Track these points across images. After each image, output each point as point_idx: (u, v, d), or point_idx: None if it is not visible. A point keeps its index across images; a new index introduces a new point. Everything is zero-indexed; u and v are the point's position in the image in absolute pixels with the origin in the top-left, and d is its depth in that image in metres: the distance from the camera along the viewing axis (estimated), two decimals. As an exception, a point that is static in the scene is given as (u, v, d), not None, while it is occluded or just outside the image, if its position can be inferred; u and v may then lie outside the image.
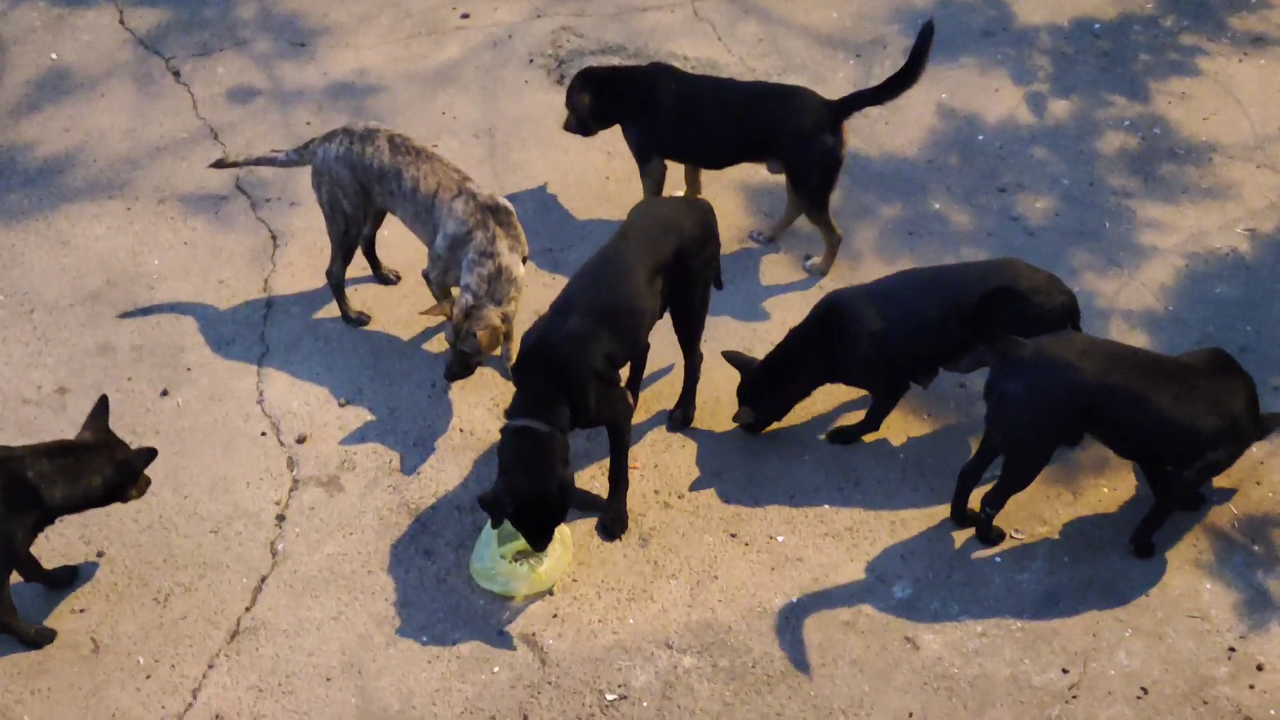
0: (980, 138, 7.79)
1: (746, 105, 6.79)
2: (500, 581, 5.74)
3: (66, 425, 6.40)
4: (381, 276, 7.05)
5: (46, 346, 6.79)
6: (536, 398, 5.66)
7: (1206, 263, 7.04)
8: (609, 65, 7.10)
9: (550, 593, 5.76)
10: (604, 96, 6.97)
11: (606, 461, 6.04)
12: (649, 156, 6.98)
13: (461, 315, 6.19)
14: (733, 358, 6.24)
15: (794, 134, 6.70)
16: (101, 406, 5.58)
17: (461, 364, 6.27)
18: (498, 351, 6.42)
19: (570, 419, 5.70)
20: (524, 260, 6.35)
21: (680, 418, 6.39)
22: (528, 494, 5.55)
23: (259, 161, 6.82)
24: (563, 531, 5.81)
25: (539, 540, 5.67)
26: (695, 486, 6.13)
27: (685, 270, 6.02)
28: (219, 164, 6.95)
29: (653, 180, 7.02)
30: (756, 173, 7.56)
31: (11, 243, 7.31)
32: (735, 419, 6.25)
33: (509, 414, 5.71)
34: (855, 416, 6.34)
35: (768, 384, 6.16)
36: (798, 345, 6.12)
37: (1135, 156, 7.63)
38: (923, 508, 6.05)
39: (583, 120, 7.07)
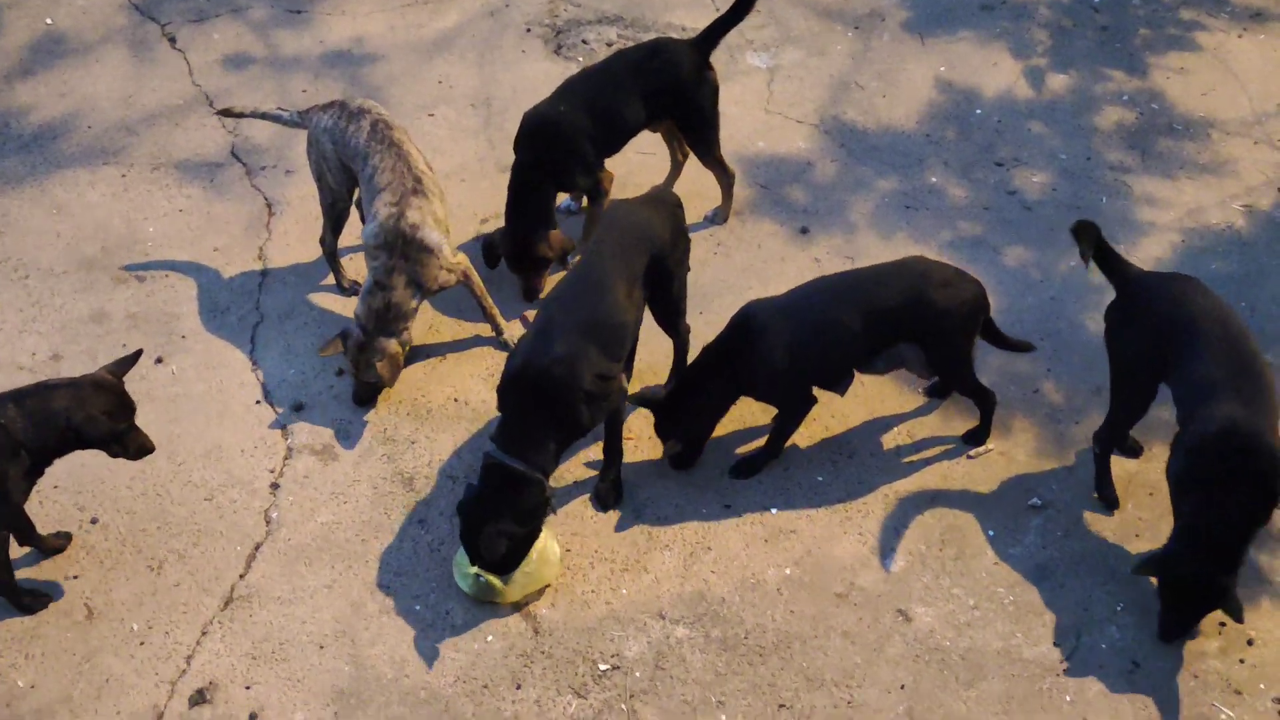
0: (978, 111, 7.78)
1: (631, 77, 6.72)
2: (470, 584, 5.69)
3: (61, 392, 6.39)
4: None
5: (40, 313, 6.78)
6: (522, 431, 5.57)
7: (1203, 239, 7.04)
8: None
9: (518, 605, 5.69)
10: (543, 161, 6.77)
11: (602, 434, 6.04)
12: (591, 171, 6.79)
13: (355, 349, 6.23)
14: (638, 398, 6.06)
15: (681, 84, 6.71)
16: (130, 358, 5.57)
17: (367, 392, 6.35)
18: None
19: (559, 445, 5.64)
20: (432, 293, 6.36)
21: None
22: (484, 535, 5.49)
23: (265, 116, 6.82)
24: (546, 550, 5.72)
25: (491, 571, 5.61)
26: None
27: (661, 272, 5.99)
28: (226, 112, 7.01)
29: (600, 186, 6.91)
30: (753, 144, 7.55)
31: (5, 208, 7.29)
32: (670, 462, 6.13)
33: (494, 439, 5.61)
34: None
35: (681, 410, 6.00)
36: (708, 362, 5.97)
37: (1133, 132, 7.63)
38: (916, 481, 6.06)
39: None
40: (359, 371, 6.26)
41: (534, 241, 6.58)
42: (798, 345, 5.82)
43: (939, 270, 5.92)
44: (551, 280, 6.73)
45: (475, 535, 5.49)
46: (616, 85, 6.68)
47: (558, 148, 6.61)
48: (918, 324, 5.83)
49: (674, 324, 6.24)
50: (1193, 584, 5.30)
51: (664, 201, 6.19)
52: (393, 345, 6.22)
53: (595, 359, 5.61)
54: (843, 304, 5.85)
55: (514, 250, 6.63)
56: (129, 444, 5.50)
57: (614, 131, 6.73)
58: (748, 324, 5.90)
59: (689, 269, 6.28)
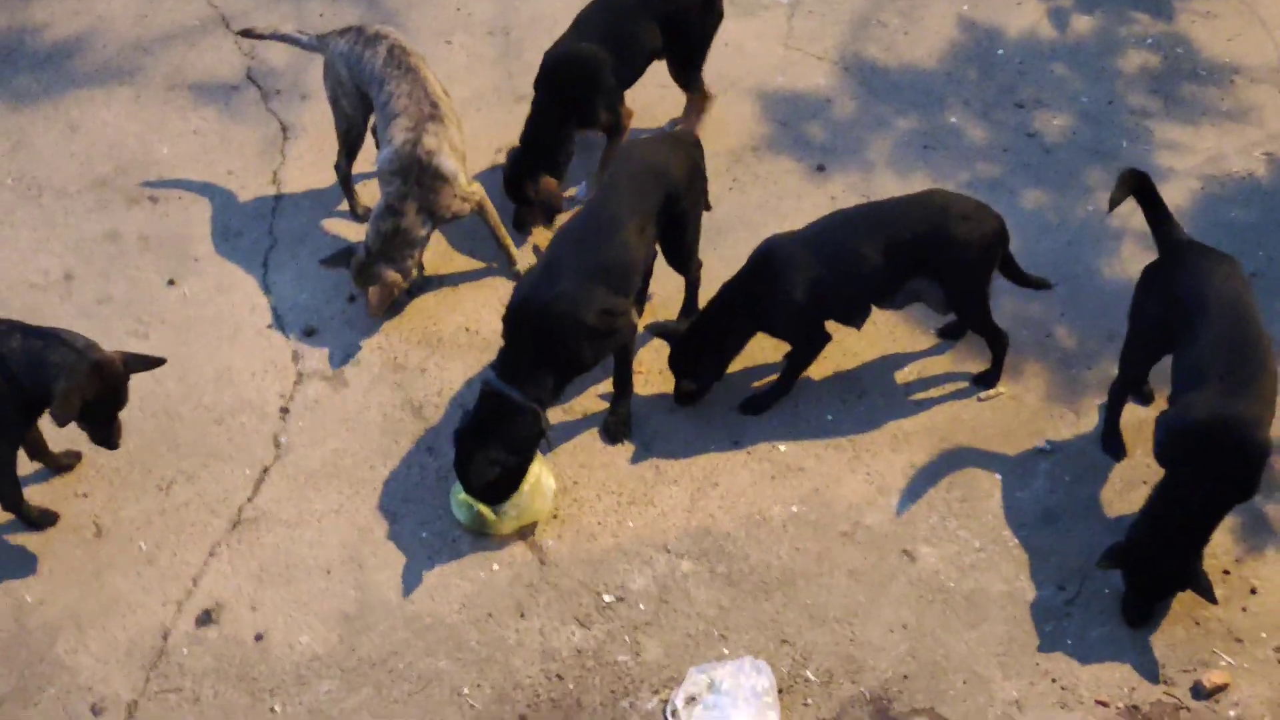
0: (1000, 52, 7.69)
1: (643, 2, 6.66)
2: (464, 514, 5.71)
3: (73, 311, 6.41)
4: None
5: (54, 232, 6.78)
6: (521, 362, 5.57)
7: (1223, 186, 6.98)
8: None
9: (522, 535, 5.70)
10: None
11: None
12: (613, 105, 6.75)
13: (356, 268, 6.22)
14: (657, 329, 6.04)
15: (689, 8, 6.69)
16: (153, 361, 5.44)
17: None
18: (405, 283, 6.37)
19: (560, 379, 5.64)
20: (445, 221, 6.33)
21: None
22: (474, 462, 5.50)
23: (284, 38, 6.80)
24: (540, 483, 5.72)
25: (479, 499, 5.62)
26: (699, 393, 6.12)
27: (674, 212, 5.95)
28: (247, 33, 7.00)
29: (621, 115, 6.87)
30: (771, 80, 7.48)
31: (20, 126, 7.27)
32: (676, 397, 6.10)
33: (494, 368, 5.62)
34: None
35: (699, 347, 5.96)
36: (729, 298, 5.92)
37: (1156, 76, 7.54)
38: (925, 422, 6.05)
39: None
40: (362, 286, 6.29)
41: (525, 178, 6.56)
42: (818, 279, 5.79)
43: (959, 203, 5.89)
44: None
45: (466, 462, 5.50)
46: (631, 12, 6.63)
47: (580, 84, 6.56)
48: (937, 256, 5.80)
49: (685, 264, 6.22)
50: (1158, 573, 5.27)
51: (681, 141, 6.15)
52: (391, 274, 6.19)
53: (601, 296, 5.59)
54: (863, 236, 5.83)
55: (509, 176, 6.59)
56: (95, 431, 5.41)
57: (633, 60, 6.68)
58: (770, 259, 5.86)
59: (709, 208, 6.26)
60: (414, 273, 6.33)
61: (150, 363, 5.41)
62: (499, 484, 5.53)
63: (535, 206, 6.59)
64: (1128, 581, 5.36)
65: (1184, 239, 5.67)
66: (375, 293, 6.19)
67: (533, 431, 5.56)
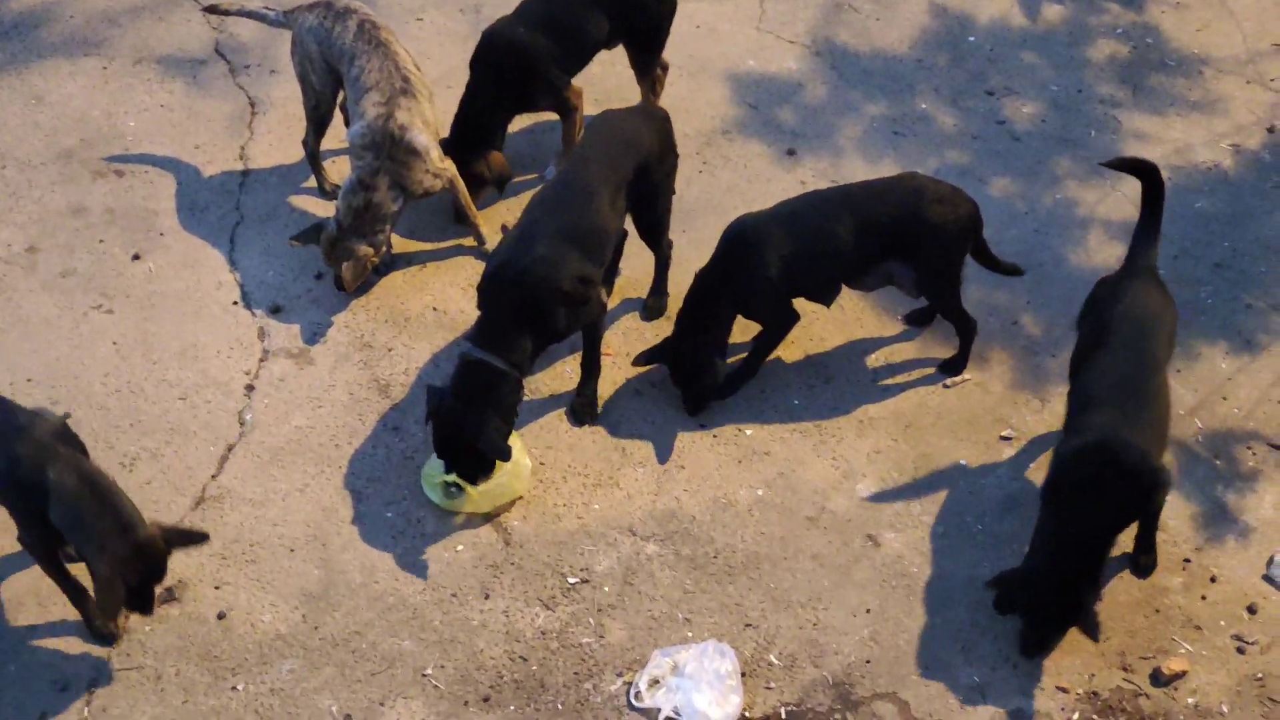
0: (971, 39, 7.71)
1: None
2: (440, 493, 5.69)
3: (36, 286, 6.35)
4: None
5: (17, 204, 6.71)
6: (499, 328, 5.57)
7: (1189, 176, 7.02)
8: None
9: (490, 515, 5.70)
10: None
11: (580, 348, 6.03)
12: (555, 90, 6.71)
13: (328, 243, 6.19)
14: (645, 358, 6.00)
15: (638, 5, 6.64)
16: (194, 538, 5.15)
17: (341, 284, 6.30)
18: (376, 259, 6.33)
19: (535, 346, 5.64)
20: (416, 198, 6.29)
21: (654, 306, 6.37)
22: (458, 430, 5.50)
23: (250, 14, 6.75)
24: (519, 464, 5.72)
25: (459, 473, 5.60)
26: (667, 377, 6.11)
27: (647, 184, 5.96)
28: (211, 9, 6.95)
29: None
30: (743, 62, 7.48)
31: (-16, 96, 7.20)
32: (689, 409, 6.01)
33: (470, 336, 5.62)
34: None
35: (693, 348, 5.90)
36: (705, 285, 5.88)
37: (1125, 65, 7.58)
38: (891, 408, 6.07)
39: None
40: (332, 264, 6.25)
41: (472, 161, 6.52)
42: (791, 256, 5.80)
43: (934, 187, 5.91)
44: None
45: (477, 430, 5.46)
46: (578, 2, 6.57)
47: (515, 69, 6.52)
48: (911, 239, 5.82)
49: (656, 239, 6.22)
50: (1050, 604, 5.15)
51: (653, 114, 6.16)
52: (363, 248, 6.17)
53: (576, 262, 5.60)
54: (838, 215, 5.84)
55: (458, 163, 6.51)
56: (133, 604, 5.07)
57: (576, 49, 6.63)
58: (743, 237, 5.86)
59: (674, 191, 6.25)
60: (384, 249, 6.30)
61: (193, 539, 5.12)
62: (501, 450, 5.51)
63: (487, 183, 6.60)
64: (1022, 613, 5.23)
65: (1147, 265, 5.59)
66: (348, 268, 6.16)
67: (517, 398, 5.58)
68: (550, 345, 5.80)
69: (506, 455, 5.55)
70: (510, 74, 6.52)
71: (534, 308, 5.58)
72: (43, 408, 5.16)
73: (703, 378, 5.94)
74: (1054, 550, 5.12)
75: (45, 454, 4.89)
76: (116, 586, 4.87)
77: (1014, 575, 5.22)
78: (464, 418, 5.49)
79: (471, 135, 6.55)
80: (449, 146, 6.50)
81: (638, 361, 6.01)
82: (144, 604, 5.10)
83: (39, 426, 4.96)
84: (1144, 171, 5.69)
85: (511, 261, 5.58)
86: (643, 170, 5.91)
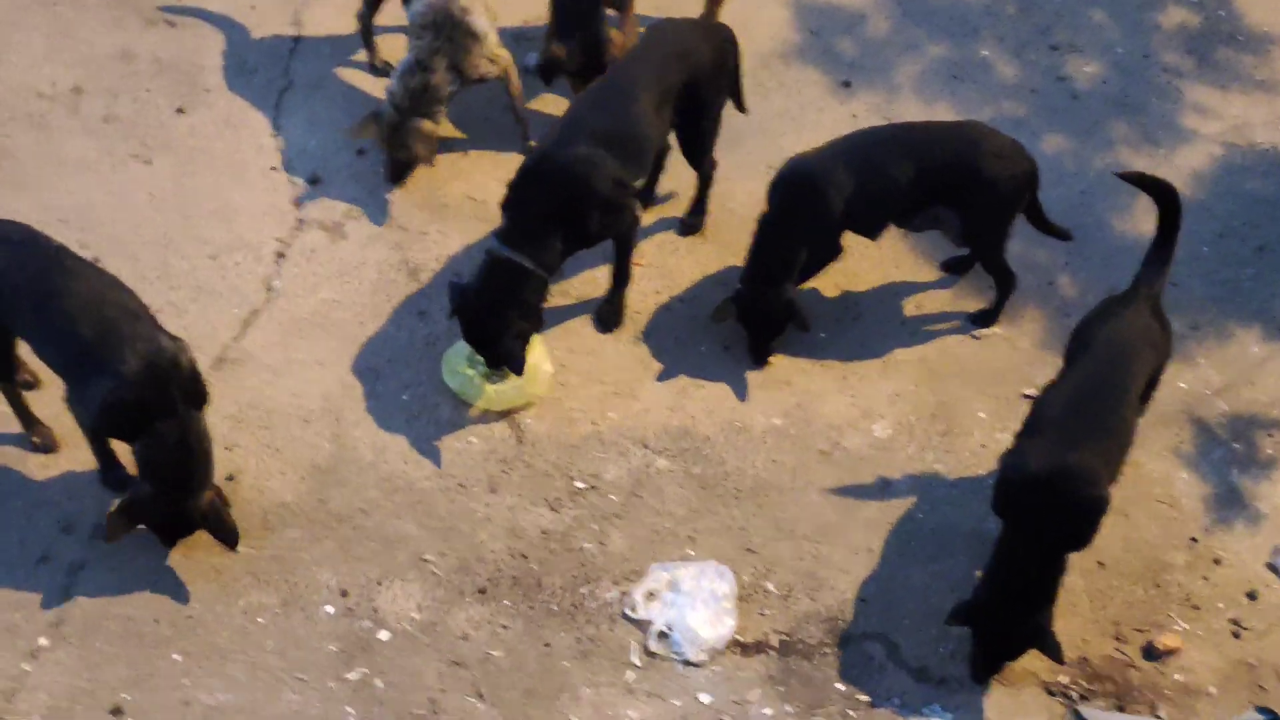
0: (1042, -10, 7.59)
1: None
2: (458, 382, 5.70)
3: (77, 127, 6.33)
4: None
5: (66, 43, 6.66)
6: (531, 226, 5.52)
7: (1244, 155, 6.93)
8: None
9: (506, 414, 5.70)
10: None
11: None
12: None
13: (389, 128, 6.12)
14: (720, 315, 5.87)
15: None
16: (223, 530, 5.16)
17: (400, 169, 6.25)
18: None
19: (565, 248, 5.60)
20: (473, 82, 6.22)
21: (691, 224, 6.32)
22: (484, 322, 5.49)
23: None
24: (539, 367, 5.72)
25: (489, 360, 5.60)
26: (697, 293, 6.10)
27: (695, 98, 5.89)
28: None
29: None
30: (810, -13, 7.38)
31: (43, -71, 7.10)
32: (756, 358, 5.93)
33: (499, 235, 5.56)
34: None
35: (766, 293, 5.80)
36: (779, 230, 5.78)
37: (1194, 35, 7.45)
38: (917, 353, 6.04)
39: None
40: (393, 149, 6.17)
41: (605, 46, 6.40)
42: (851, 194, 5.73)
43: (995, 139, 5.85)
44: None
45: (498, 334, 5.46)
46: None
47: None
48: (962, 189, 5.77)
49: (699, 157, 6.16)
50: (1004, 633, 5.07)
51: (715, 30, 6.09)
52: (427, 124, 6.12)
53: (614, 165, 5.57)
54: (895, 156, 5.79)
55: (588, 59, 6.37)
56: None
57: None
58: (811, 179, 5.75)
59: (745, 110, 6.22)
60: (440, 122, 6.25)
61: (224, 532, 5.14)
62: (516, 347, 5.50)
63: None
64: (974, 640, 5.12)
65: (1149, 291, 5.39)
66: (420, 144, 6.10)
67: (542, 298, 5.56)
68: (579, 249, 5.76)
69: (519, 368, 5.51)
70: None
71: (568, 207, 5.54)
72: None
73: (778, 321, 5.85)
74: (1002, 575, 5.01)
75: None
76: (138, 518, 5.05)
77: (965, 608, 5.08)
78: (487, 319, 5.48)
79: (589, 28, 6.39)
80: (577, 45, 6.33)
81: (716, 316, 5.88)
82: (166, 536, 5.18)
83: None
84: (1161, 192, 5.52)
85: (548, 158, 5.54)
86: (692, 84, 5.84)
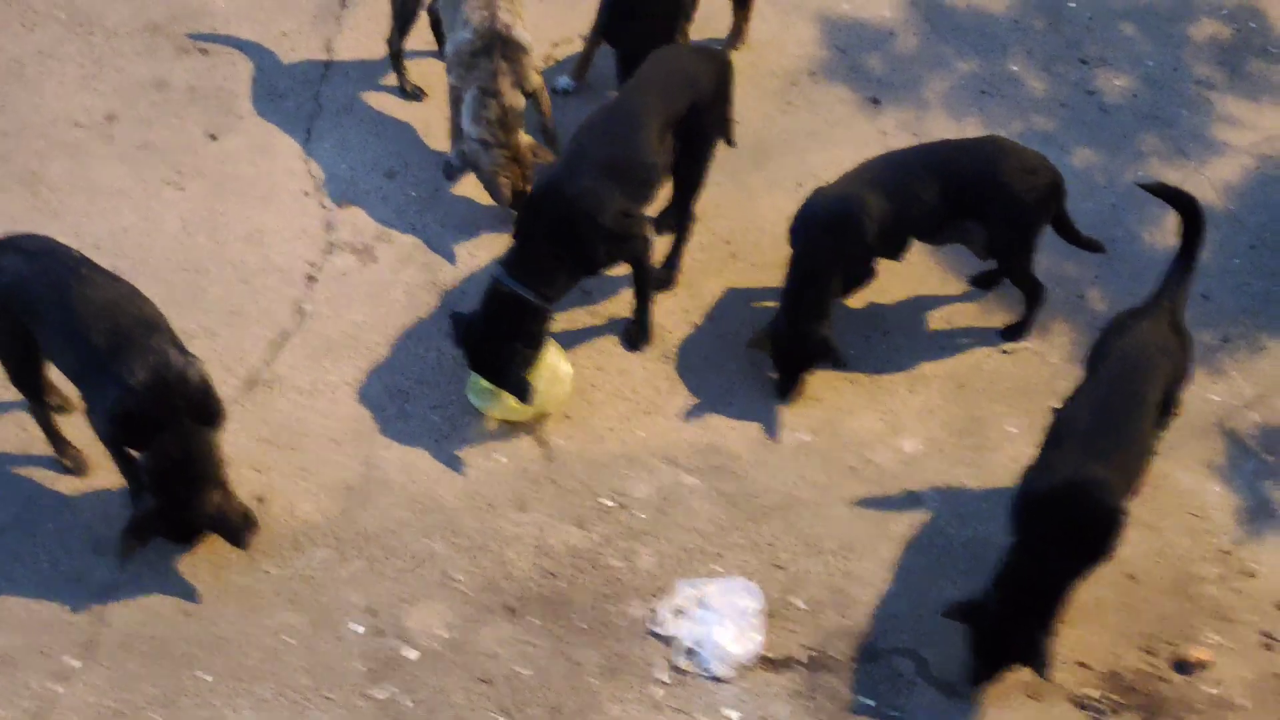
0: (1071, 4, 7.56)
1: None
2: (477, 394, 5.73)
3: (112, 155, 6.41)
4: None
5: (101, 71, 6.75)
6: (534, 258, 5.53)
7: (1277, 167, 6.87)
8: None
9: (536, 422, 5.74)
10: None
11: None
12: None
13: (491, 174, 6.08)
14: (755, 343, 5.88)
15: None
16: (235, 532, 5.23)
17: (519, 196, 6.17)
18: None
19: (570, 279, 5.62)
20: (527, 96, 6.21)
21: (663, 279, 6.15)
22: (489, 353, 5.55)
23: None
24: (557, 371, 5.73)
25: (491, 380, 5.63)
26: (724, 311, 6.11)
27: (696, 127, 5.88)
28: None
29: None
30: (837, 5, 7.38)
31: (79, -39, 7.22)
32: (783, 394, 5.89)
33: (503, 263, 5.58)
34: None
35: (807, 330, 5.77)
36: (814, 263, 5.74)
37: (1225, 48, 7.41)
38: (947, 367, 6.03)
39: None
40: (512, 183, 6.11)
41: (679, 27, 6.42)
42: (882, 221, 5.72)
43: (1019, 154, 5.84)
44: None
45: (492, 362, 5.52)
46: None
47: None
48: (987, 203, 5.77)
49: (687, 199, 6.04)
50: (1001, 638, 5.05)
51: (714, 56, 6.12)
52: (523, 137, 6.10)
53: (619, 197, 5.57)
54: (921, 178, 5.77)
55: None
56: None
57: None
58: (846, 213, 5.70)
59: (731, 143, 6.19)
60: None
61: (236, 534, 5.20)
62: (515, 373, 5.54)
63: None
64: (970, 644, 5.09)
65: (1170, 303, 5.38)
66: (540, 155, 6.12)
67: (543, 331, 5.58)
68: (584, 278, 5.77)
69: (528, 397, 5.53)
70: None
71: (573, 241, 5.55)
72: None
73: (813, 359, 5.82)
74: (1008, 585, 4.98)
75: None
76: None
77: (965, 605, 5.07)
78: (492, 350, 5.52)
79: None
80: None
81: (753, 344, 5.87)
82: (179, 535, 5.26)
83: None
84: (1183, 204, 5.50)
85: (553, 190, 5.54)
86: (694, 111, 5.83)
